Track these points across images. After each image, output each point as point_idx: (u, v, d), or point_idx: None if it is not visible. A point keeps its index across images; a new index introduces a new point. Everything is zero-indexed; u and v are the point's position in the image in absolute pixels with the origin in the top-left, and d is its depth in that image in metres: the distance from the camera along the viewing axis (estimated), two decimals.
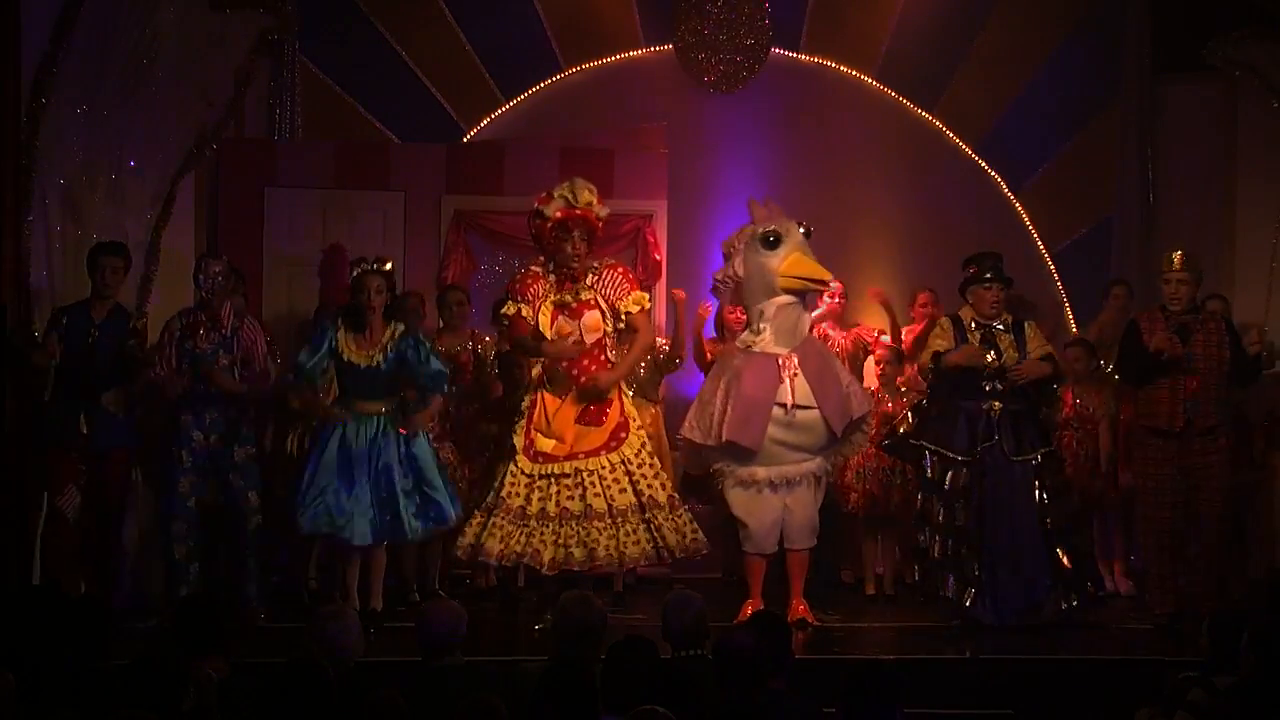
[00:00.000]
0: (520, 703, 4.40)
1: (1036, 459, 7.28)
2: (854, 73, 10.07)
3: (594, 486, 6.95)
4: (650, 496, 6.98)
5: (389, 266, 7.14)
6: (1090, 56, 9.92)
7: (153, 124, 8.03)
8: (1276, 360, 7.50)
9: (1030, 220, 10.05)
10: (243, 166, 9.16)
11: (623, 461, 7.03)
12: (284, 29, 8.92)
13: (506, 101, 9.87)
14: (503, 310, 7.29)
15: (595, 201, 7.11)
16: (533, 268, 7.25)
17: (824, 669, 5.95)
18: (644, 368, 8.03)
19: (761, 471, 7.18)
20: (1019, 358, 7.30)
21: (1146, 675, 5.95)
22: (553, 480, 6.97)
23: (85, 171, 7.72)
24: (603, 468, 6.99)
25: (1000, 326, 7.38)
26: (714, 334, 8.39)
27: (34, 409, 7.20)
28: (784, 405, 7.08)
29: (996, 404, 7.25)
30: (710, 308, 8.31)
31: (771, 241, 7.16)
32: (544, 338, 7.10)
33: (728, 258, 7.30)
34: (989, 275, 7.38)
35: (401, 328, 7.03)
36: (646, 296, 7.40)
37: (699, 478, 7.68)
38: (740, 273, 7.19)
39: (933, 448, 7.32)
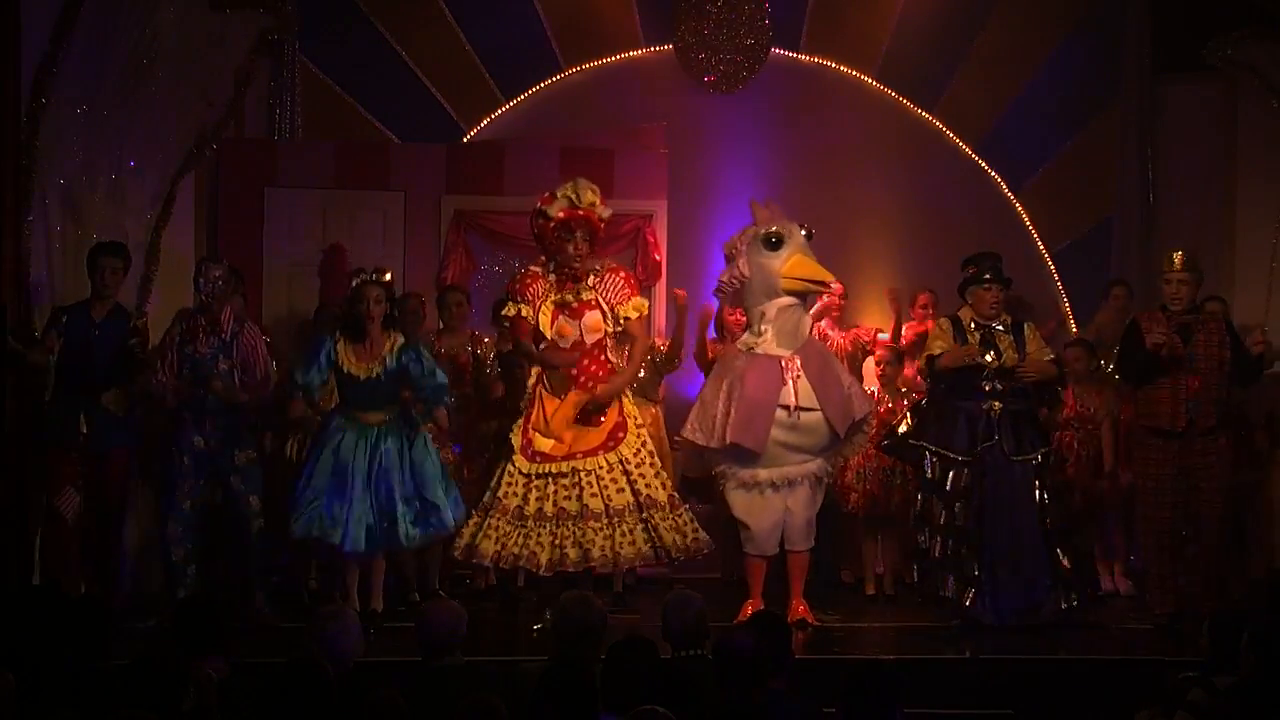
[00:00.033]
0: (520, 703, 4.40)
1: (1036, 459, 7.29)
2: (854, 73, 10.08)
3: (591, 487, 6.93)
4: (648, 496, 6.97)
5: (388, 277, 7.14)
6: (1090, 56, 9.92)
7: (153, 124, 8.03)
8: (1277, 360, 7.49)
9: (1030, 220, 10.05)
10: (243, 166, 9.16)
11: (620, 461, 7.01)
12: (284, 29, 8.92)
13: (506, 101, 9.87)
14: (503, 312, 7.29)
15: (598, 202, 7.11)
16: (532, 268, 7.25)
17: (824, 669, 5.95)
18: (644, 368, 8.03)
19: (764, 473, 7.18)
20: (1018, 358, 7.30)
21: (1146, 675, 5.94)
22: (550, 480, 6.95)
23: (85, 171, 7.72)
24: (600, 467, 6.98)
25: (1000, 327, 7.37)
26: (714, 335, 8.38)
27: (34, 409, 7.20)
28: (787, 407, 7.08)
29: (996, 404, 7.25)
30: (712, 308, 8.31)
31: (774, 243, 7.16)
32: (544, 338, 7.09)
33: (731, 259, 7.28)
34: (988, 276, 7.38)
35: (401, 339, 7.02)
36: (645, 304, 7.40)
37: (697, 479, 7.68)
38: (746, 273, 7.18)
39: (933, 448, 7.32)
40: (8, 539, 7.05)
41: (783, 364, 7.13)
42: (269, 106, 9.50)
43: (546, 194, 7.13)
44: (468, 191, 9.33)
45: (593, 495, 6.92)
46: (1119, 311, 8.68)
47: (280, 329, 8.78)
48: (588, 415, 7.04)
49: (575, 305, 7.10)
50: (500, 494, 6.95)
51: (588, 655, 4.80)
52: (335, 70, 9.64)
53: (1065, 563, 7.25)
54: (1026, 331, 7.42)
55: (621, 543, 6.88)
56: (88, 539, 7.12)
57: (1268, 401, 8.22)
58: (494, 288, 8.94)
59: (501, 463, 7.05)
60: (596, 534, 6.87)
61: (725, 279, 7.30)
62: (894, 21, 9.91)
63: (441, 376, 7.06)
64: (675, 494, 7.15)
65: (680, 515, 7.04)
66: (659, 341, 8.48)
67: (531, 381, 7.10)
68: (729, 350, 7.51)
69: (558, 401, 7.04)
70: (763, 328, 7.20)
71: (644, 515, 6.95)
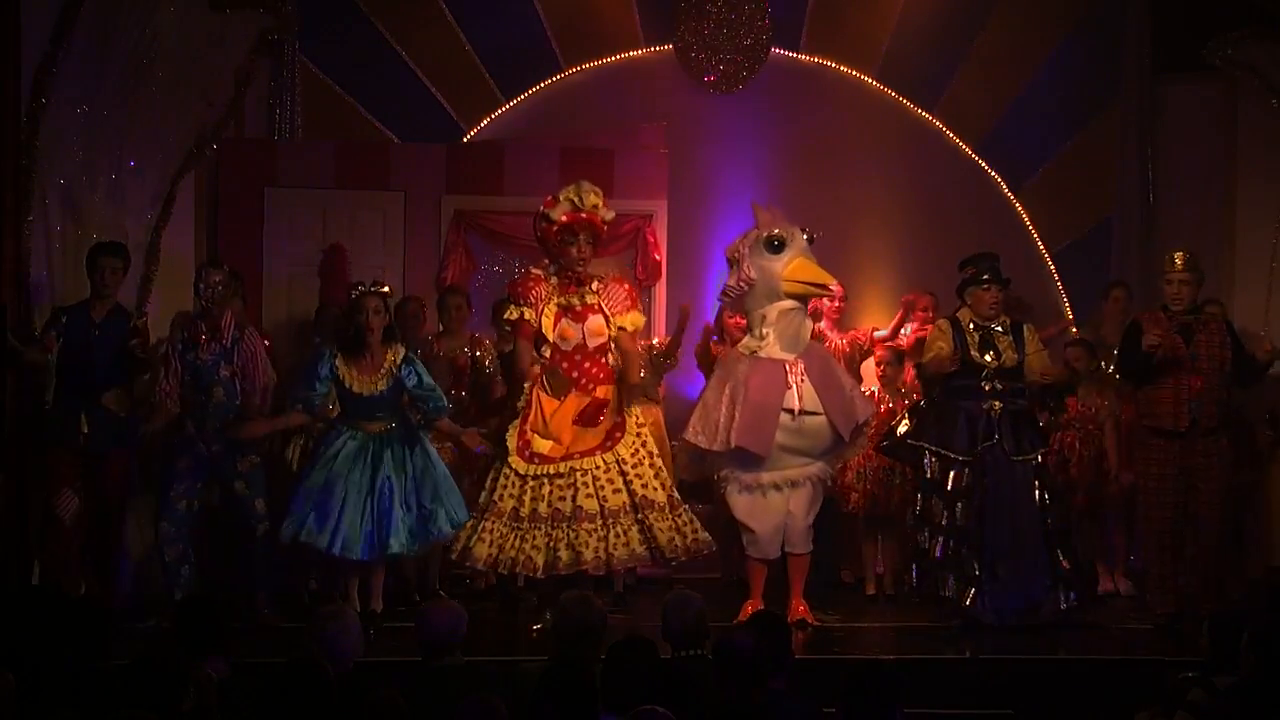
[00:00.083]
0: (520, 703, 4.41)
1: (1037, 459, 7.29)
2: (854, 73, 10.07)
3: (586, 487, 6.90)
4: (644, 496, 6.93)
5: (386, 289, 7.15)
6: (1090, 56, 9.92)
7: (153, 124, 8.02)
8: (1277, 360, 7.50)
9: (1030, 220, 10.05)
10: (243, 166, 9.16)
11: (617, 461, 6.98)
12: (284, 29, 8.91)
13: (506, 101, 9.86)
14: (505, 315, 7.26)
15: (601, 205, 7.08)
16: (535, 270, 7.22)
17: (824, 669, 5.96)
18: (644, 369, 8.01)
19: (766, 476, 7.18)
20: (1018, 359, 7.31)
21: (1146, 675, 5.95)
22: (546, 481, 6.92)
23: (85, 171, 7.72)
24: (596, 467, 6.95)
25: (999, 328, 7.38)
26: (715, 337, 8.37)
27: (35, 409, 7.20)
28: (791, 411, 7.08)
29: (997, 404, 7.26)
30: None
31: (776, 246, 7.15)
32: (546, 340, 7.07)
33: (735, 264, 7.25)
34: (987, 276, 7.38)
35: (402, 351, 7.02)
36: (642, 320, 7.38)
37: (695, 483, 7.66)
38: (753, 277, 7.17)
39: (933, 448, 7.32)
40: (8, 539, 7.05)
41: (786, 368, 7.12)
42: (269, 106, 9.49)
43: (549, 197, 7.11)
44: (468, 191, 9.32)
45: (588, 496, 6.89)
46: (1118, 314, 8.67)
47: (280, 329, 8.78)
48: (588, 416, 7.04)
49: (579, 309, 7.08)
50: (496, 496, 6.93)
51: (588, 655, 4.81)
52: (335, 70, 9.63)
53: (1065, 563, 7.26)
54: (1026, 333, 7.44)
55: (615, 544, 6.85)
56: (88, 539, 7.12)
57: (1268, 402, 8.22)
58: (494, 288, 8.94)
59: (497, 465, 7.05)
60: (590, 535, 6.84)
61: (732, 283, 7.27)
62: (894, 21, 9.90)
63: (438, 398, 7.07)
64: (675, 495, 7.09)
65: (680, 516, 6.99)
66: (658, 340, 8.47)
67: (529, 383, 7.10)
68: (731, 353, 7.48)
69: (556, 403, 7.02)
70: (764, 331, 7.19)
71: (639, 516, 6.92)
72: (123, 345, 7.08)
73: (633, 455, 7.02)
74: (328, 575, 7.51)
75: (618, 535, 6.87)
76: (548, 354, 7.07)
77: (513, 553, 6.85)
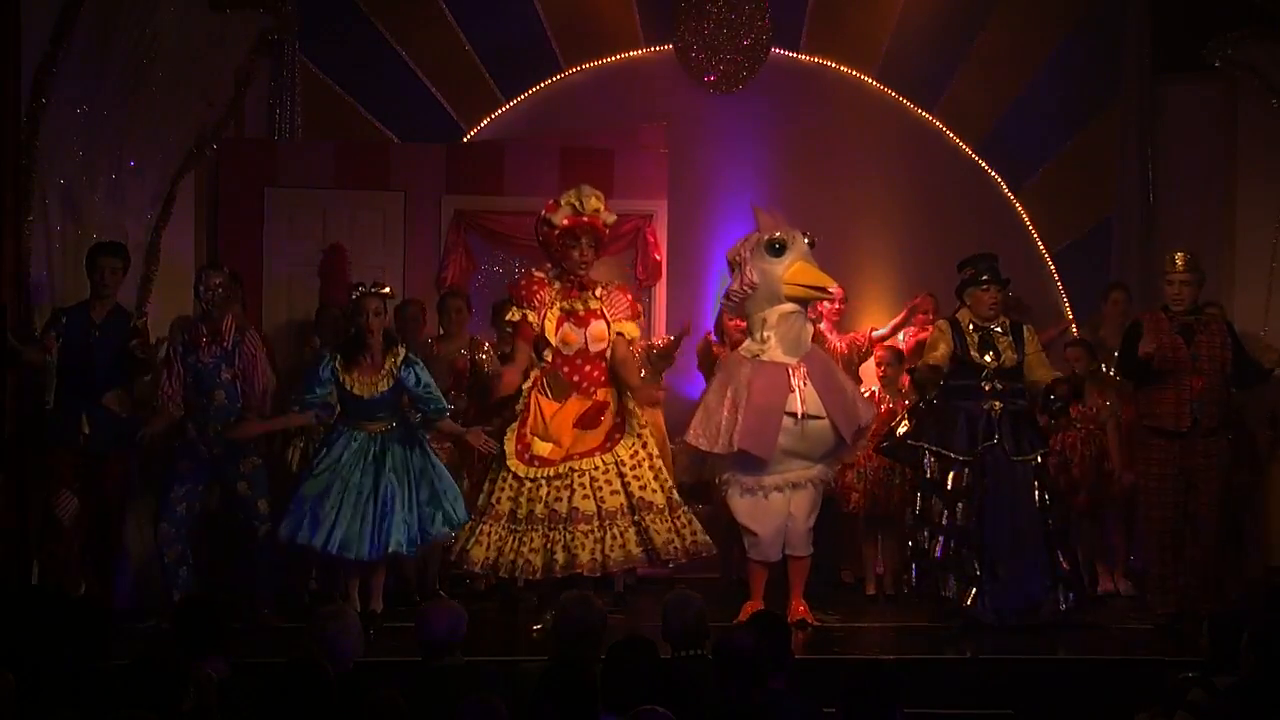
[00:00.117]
0: (520, 703, 4.41)
1: (1036, 459, 7.29)
2: (854, 73, 10.07)
3: (584, 488, 6.90)
4: (642, 498, 6.91)
5: (387, 290, 7.15)
6: (1090, 56, 9.91)
7: (153, 124, 8.02)
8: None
9: (1030, 220, 10.05)
10: (243, 166, 9.15)
11: (616, 462, 6.97)
12: (284, 29, 8.91)
13: (506, 101, 9.86)
14: (507, 316, 7.26)
15: (602, 208, 7.07)
16: (537, 273, 7.21)
17: (824, 669, 5.96)
18: (644, 369, 8.01)
19: (768, 478, 7.18)
20: (1017, 359, 7.31)
21: (1146, 675, 5.96)
22: (544, 482, 6.92)
23: (85, 171, 7.71)
24: (595, 468, 6.94)
25: (999, 329, 7.38)
26: (715, 338, 8.38)
27: (35, 409, 7.20)
28: (794, 414, 7.08)
29: (996, 404, 7.26)
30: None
31: (777, 248, 7.14)
32: (548, 344, 7.07)
33: (737, 267, 7.23)
34: (986, 277, 7.39)
35: (403, 353, 7.01)
36: (637, 334, 7.39)
37: (694, 485, 7.66)
38: (755, 281, 7.16)
39: (933, 448, 7.33)
40: (8, 539, 7.05)
41: (789, 371, 7.12)
42: (269, 106, 9.48)
43: (550, 201, 7.10)
44: (468, 191, 9.32)
45: (584, 497, 6.88)
46: (1117, 315, 8.67)
47: (280, 330, 8.78)
48: (589, 419, 7.03)
49: (582, 313, 7.07)
50: (493, 499, 6.93)
51: (588, 655, 4.80)
52: (335, 70, 9.63)
53: (1065, 563, 7.26)
54: (1025, 333, 7.44)
55: (611, 545, 6.84)
56: (88, 540, 7.11)
57: (1268, 402, 8.22)
58: (494, 288, 8.94)
59: (495, 467, 7.04)
60: (586, 537, 6.82)
61: (736, 288, 7.25)
62: (894, 21, 9.90)
63: (439, 399, 7.07)
64: (675, 496, 7.07)
65: (679, 518, 6.98)
66: (655, 340, 8.47)
67: (528, 385, 7.07)
68: (733, 356, 7.46)
69: (557, 406, 7.01)
70: (765, 334, 7.18)
71: (636, 517, 6.90)
72: (123, 346, 7.08)
73: (632, 457, 7.01)
74: (328, 575, 7.53)
75: (614, 537, 6.86)
76: (549, 357, 7.06)
77: (511, 555, 6.85)
